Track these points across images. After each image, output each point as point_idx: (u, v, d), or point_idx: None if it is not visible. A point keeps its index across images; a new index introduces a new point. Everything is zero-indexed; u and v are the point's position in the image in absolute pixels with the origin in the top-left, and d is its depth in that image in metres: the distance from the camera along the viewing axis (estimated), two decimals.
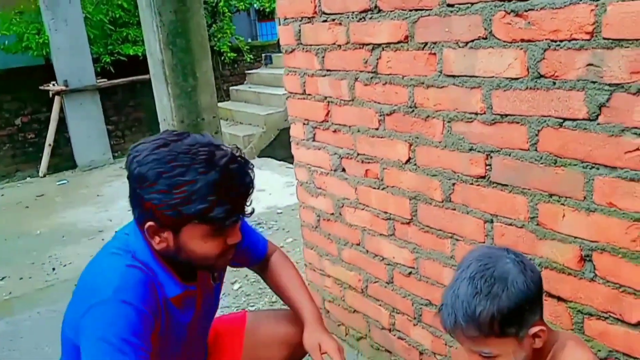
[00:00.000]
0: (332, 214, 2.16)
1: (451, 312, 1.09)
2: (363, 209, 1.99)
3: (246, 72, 8.50)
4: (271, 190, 4.63)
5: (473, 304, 1.06)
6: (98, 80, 6.51)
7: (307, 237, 2.38)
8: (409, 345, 1.99)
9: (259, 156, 6.18)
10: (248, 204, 1.20)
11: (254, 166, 1.22)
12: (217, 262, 1.25)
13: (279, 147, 6.75)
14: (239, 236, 1.23)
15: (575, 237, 1.32)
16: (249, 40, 9.93)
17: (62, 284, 3.27)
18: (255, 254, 1.54)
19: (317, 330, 1.41)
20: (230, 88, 8.28)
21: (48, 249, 3.90)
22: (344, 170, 2.03)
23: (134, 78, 6.96)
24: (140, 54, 7.02)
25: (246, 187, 1.18)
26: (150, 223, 1.15)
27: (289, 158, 5.83)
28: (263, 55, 8.65)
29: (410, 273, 1.87)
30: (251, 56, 8.79)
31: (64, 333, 1.29)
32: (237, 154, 1.18)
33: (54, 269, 3.56)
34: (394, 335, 2.04)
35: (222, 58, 8.36)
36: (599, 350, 1.33)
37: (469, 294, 1.07)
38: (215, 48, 7.86)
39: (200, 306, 1.38)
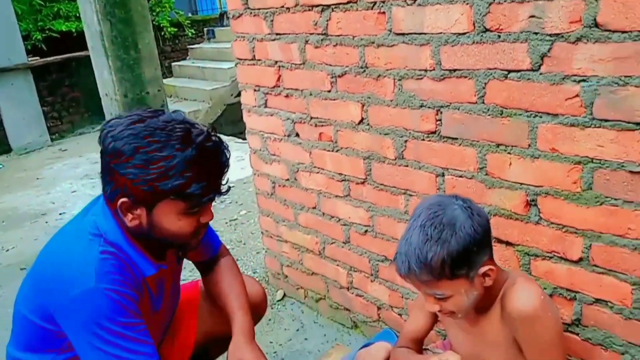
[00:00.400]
0: (287, 179, 2.17)
1: (404, 259, 1.15)
2: (318, 172, 2.01)
3: (188, 47, 8.27)
4: None
5: (424, 250, 1.11)
6: (30, 59, 6.15)
7: (263, 205, 2.39)
8: (367, 301, 2.05)
9: None
10: (224, 182, 1.21)
11: (228, 145, 1.22)
12: (190, 241, 1.26)
13: (226, 123, 6.65)
14: (211, 215, 1.24)
15: (522, 184, 1.40)
16: (189, 15, 9.63)
17: (5, 269, 3.14)
18: (209, 249, 1.53)
19: (243, 344, 1.36)
20: (173, 64, 8.04)
21: None
22: (297, 135, 2.04)
23: (69, 55, 6.62)
24: (73, 30, 6.68)
25: (222, 165, 1.18)
26: (123, 199, 1.13)
27: (237, 134, 5.76)
28: (205, 29, 8.42)
29: (366, 231, 1.92)
30: (192, 31, 8.54)
31: (17, 311, 1.26)
32: (213, 133, 1.18)
33: None
34: (352, 293, 2.10)
35: (162, 33, 8.07)
36: (545, 288, 1.43)
37: (420, 241, 1.12)
38: (154, 23, 7.57)
39: (169, 289, 1.38)
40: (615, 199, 1.24)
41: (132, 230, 1.19)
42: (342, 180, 1.93)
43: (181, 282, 1.53)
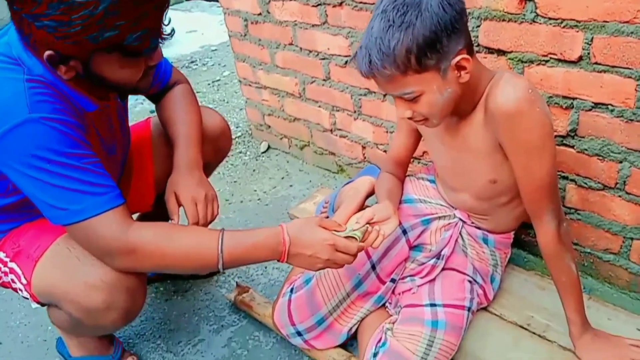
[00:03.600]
0: (260, 14, 1.95)
1: (365, 53, 0.97)
2: (291, 0, 1.79)
3: None
4: (203, 30, 4.29)
5: (386, 39, 0.93)
6: None
7: (237, 49, 2.19)
8: (351, 141, 1.93)
9: None
10: (166, 22, 0.98)
11: None
12: (139, 85, 1.07)
13: None
14: (160, 56, 1.04)
15: None
16: None
17: None
18: (159, 81, 1.33)
19: (179, 175, 1.21)
20: None
21: None
22: None
23: None
24: None
25: (160, 2, 0.95)
26: (50, 52, 0.92)
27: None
28: None
29: (346, 63, 1.75)
30: None
31: None
32: None
33: None
34: (336, 135, 1.98)
35: None
36: None
37: (381, 29, 0.94)
38: None
39: (118, 128, 1.23)
40: None
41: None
42: (318, 4, 1.71)
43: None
